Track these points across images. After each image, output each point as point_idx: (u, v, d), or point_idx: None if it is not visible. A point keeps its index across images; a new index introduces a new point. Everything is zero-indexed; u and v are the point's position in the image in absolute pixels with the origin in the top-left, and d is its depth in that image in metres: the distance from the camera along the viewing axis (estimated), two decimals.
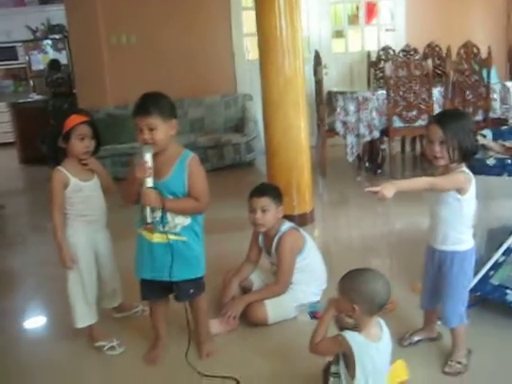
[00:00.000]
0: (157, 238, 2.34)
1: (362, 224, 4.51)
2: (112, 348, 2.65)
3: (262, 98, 4.14)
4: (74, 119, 2.51)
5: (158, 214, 2.27)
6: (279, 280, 2.81)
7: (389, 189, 1.96)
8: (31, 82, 9.42)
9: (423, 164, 5.96)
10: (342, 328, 1.96)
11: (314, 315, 2.09)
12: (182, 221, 2.33)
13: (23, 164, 8.15)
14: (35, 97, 8.61)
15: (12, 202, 5.91)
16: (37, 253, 4.38)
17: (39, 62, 9.25)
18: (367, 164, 6.03)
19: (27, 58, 9.37)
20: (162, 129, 2.25)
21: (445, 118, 2.15)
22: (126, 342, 2.70)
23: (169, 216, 2.29)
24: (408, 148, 6.44)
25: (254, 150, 6.48)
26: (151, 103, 2.26)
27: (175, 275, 2.35)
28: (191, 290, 2.44)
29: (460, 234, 2.22)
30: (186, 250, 2.35)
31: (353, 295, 1.85)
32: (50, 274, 3.72)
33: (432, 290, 2.35)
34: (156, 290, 2.46)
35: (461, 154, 2.12)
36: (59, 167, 2.54)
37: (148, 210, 2.24)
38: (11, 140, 8.59)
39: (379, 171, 5.71)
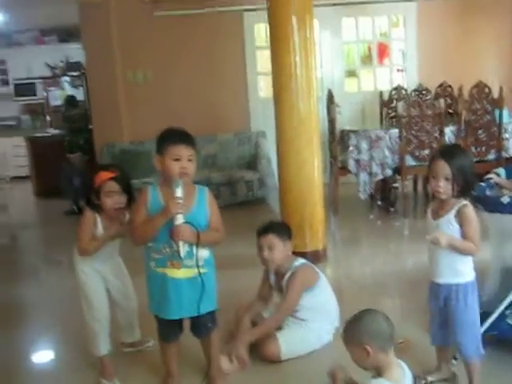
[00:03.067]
0: (182, 273, 2.30)
1: (374, 262, 4.49)
2: None
3: (275, 135, 4.19)
4: (101, 176, 2.55)
5: (187, 249, 2.26)
6: (280, 308, 2.79)
7: (443, 237, 2.11)
8: (48, 117, 9.60)
9: None
10: None
11: None
12: (204, 253, 2.34)
13: (37, 197, 8.24)
14: (52, 131, 8.75)
15: (25, 235, 5.96)
16: (48, 285, 4.41)
17: (57, 97, 9.43)
18: (379, 202, 6.03)
19: (45, 93, 9.57)
20: (195, 161, 2.29)
21: (451, 155, 2.19)
22: (135, 378, 2.69)
23: (194, 249, 2.28)
24: (420, 187, 6.42)
25: (266, 186, 6.51)
26: (191, 136, 2.32)
27: (202, 309, 2.33)
28: (209, 324, 2.44)
29: (463, 266, 2.24)
30: (208, 282, 2.34)
31: (359, 338, 1.82)
32: (61, 308, 3.75)
33: (442, 324, 2.34)
34: (177, 329, 2.46)
35: (462, 190, 2.16)
36: (92, 211, 2.59)
37: (181, 244, 2.23)
38: (27, 174, 8.70)
39: (392, 209, 5.71)
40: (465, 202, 2.19)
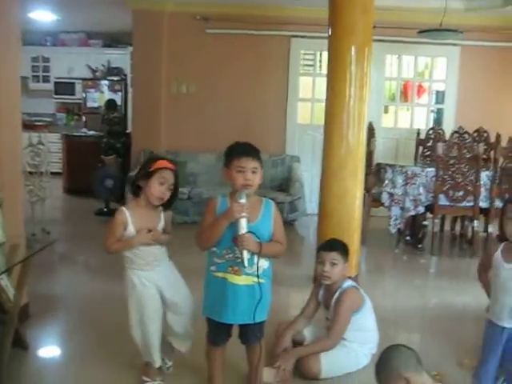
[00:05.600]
0: (242, 280, 2.38)
1: (397, 296, 4.54)
2: None
3: (322, 161, 4.28)
4: (162, 163, 2.60)
5: (249, 257, 2.34)
6: (331, 334, 2.86)
7: None
8: (83, 118, 9.77)
9: (462, 244, 6.02)
10: None
11: None
12: (263, 264, 2.41)
13: (67, 194, 8.39)
14: (89, 132, 8.90)
15: (53, 231, 6.02)
16: (68, 282, 4.56)
17: (94, 99, 9.62)
18: (408, 238, 6.09)
19: (84, 94, 9.75)
20: (259, 174, 2.39)
21: None
22: (177, 380, 2.77)
23: (255, 258, 2.35)
24: (447, 226, 6.47)
25: (297, 210, 6.60)
26: (256, 149, 2.42)
27: (256, 317, 2.40)
28: (258, 334, 2.50)
29: None
30: (265, 292, 2.42)
31: (397, 371, 1.88)
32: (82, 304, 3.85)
33: (496, 371, 2.34)
34: (226, 333, 2.52)
35: None
36: (123, 208, 2.58)
37: (245, 253, 2.31)
38: (58, 170, 8.82)
39: (419, 246, 5.78)
40: None
